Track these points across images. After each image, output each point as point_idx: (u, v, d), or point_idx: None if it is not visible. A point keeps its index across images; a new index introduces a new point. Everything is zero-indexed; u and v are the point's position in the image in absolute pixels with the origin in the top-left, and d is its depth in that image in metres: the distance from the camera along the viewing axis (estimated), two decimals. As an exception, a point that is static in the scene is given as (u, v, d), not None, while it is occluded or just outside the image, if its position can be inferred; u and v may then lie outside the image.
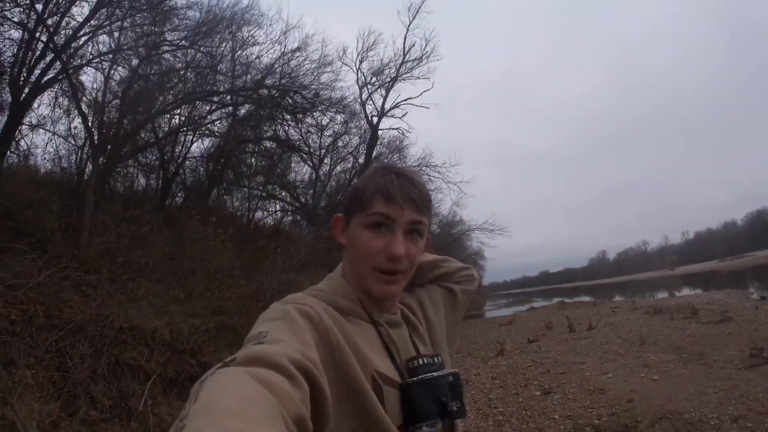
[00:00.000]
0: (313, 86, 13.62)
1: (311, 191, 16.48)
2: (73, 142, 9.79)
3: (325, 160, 17.13)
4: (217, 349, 6.28)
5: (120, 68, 10.73)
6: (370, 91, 16.95)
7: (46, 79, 9.07)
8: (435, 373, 0.92)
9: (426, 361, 0.93)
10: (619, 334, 11.08)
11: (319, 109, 14.12)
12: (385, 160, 18.00)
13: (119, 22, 10.21)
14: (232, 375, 0.54)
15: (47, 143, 10.60)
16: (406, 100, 17.15)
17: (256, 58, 13.32)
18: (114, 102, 10.36)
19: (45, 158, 9.89)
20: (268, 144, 14.23)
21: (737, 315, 11.58)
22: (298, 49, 13.50)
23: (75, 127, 10.15)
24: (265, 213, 16.16)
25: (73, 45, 9.32)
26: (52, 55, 8.79)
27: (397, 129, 17.40)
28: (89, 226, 6.77)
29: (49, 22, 8.75)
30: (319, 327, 0.79)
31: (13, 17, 8.36)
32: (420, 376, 0.90)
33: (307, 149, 15.54)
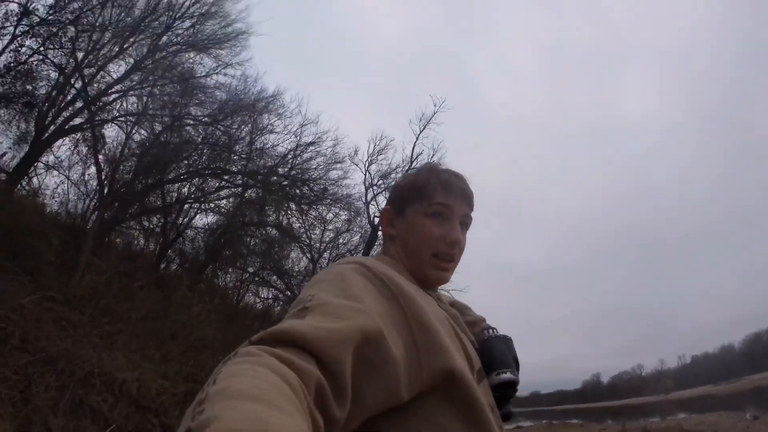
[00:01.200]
0: (322, 180, 14.13)
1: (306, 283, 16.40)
2: (83, 189, 10.04)
3: (325, 255, 17.23)
4: (182, 414, 5.89)
5: (142, 131, 11.34)
6: (375, 192, 17.50)
7: (70, 124, 9.55)
8: (509, 336, 1.02)
9: (499, 332, 1.03)
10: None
11: (325, 203, 14.47)
12: None
13: (149, 88, 10.98)
14: (255, 357, 0.54)
15: (58, 185, 10.84)
16: (408, 205, 17.66)
17: (271, 146, 13.89)
18: (130, 161, 10.77)
19: (54, 199, 10.11)
20: (270, 230, 14.39)
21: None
22: (312, 143, 14.09)
23: (88, 176, 10.49)
24: (256, 298, 15.98)
25: (102, 99, 9.92)
26: (82, 103, 9.35)
27: (398, 232, 17.70)
28: (83, 268, 6.73)
29: (86, 72, 9.41)
30: (375, 281, 0.81)
31: (54, 58, 8.97)
32: (500, 333, 1.01)
33: (308, 241, 15.71)
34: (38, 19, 8.19)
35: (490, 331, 1.02)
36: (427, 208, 1.01)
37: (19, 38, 8.10)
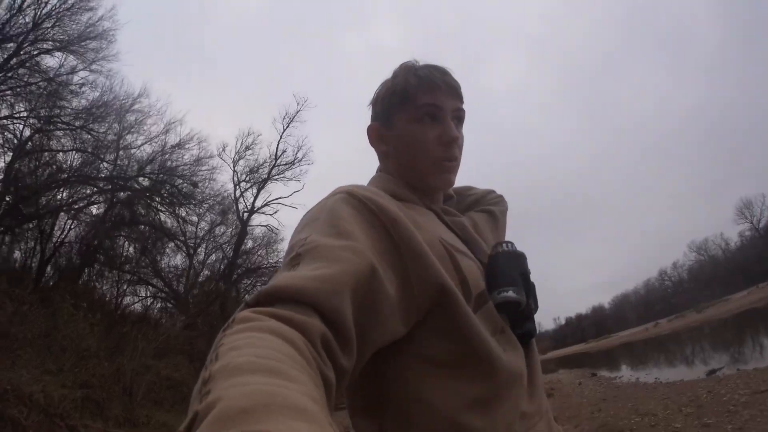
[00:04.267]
0: (192, 178, 15.28)
1: (184, 279, 17.37)
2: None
3: (200, 249, 18.22)
4: (83, 416, 7.37)
5: (9, 137, 11.72)
6: (243, 189, 18.74)
7: None
8: (521, 251, 0.94)
9: (513, 248, 0.94)
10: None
11: (195, 201, 15.62)
12: (257, 253, 19.33)
13: (17, 88, 11.35)
14: (253, 323, 0.52)
15: None
16: (276, 199, 19.11)
17: (140, 145, 14.92)
18: None
19: None
20: (144, 228, 15.20)
21: (560, 391, 13.75)
22: (179, 144, 15.40)
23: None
24: (135, 298, 16.73)
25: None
26: None
27: (266, 226, 19.13)
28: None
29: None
30: (363, 211, 0.78)
31: None
32: (510, 248, 0.93)
33: (182, 237, 16.63)
34: None
35: (504, 245, 0.93)
36: (413, 113, 0.94)
37: None
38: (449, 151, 0.94)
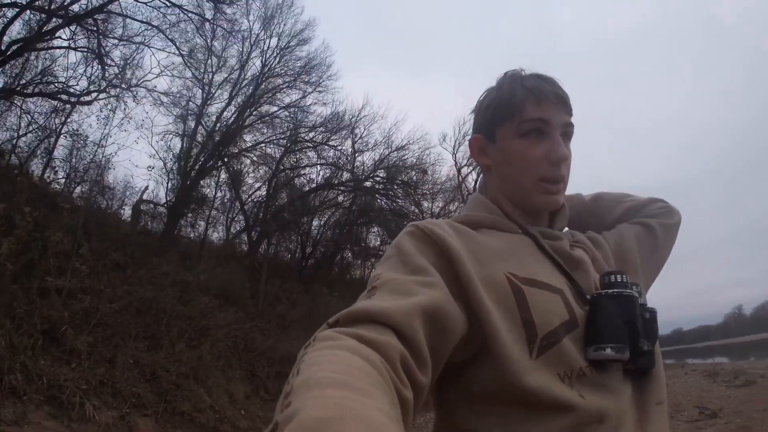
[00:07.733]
0: (422, 166, 17.50)
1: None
2: (228, 219, 14.84)
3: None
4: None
5: (266, 160, 15.11)
6: (464, 173, 20.22)
7: (208, 165, 13.47)
8: (630, 292, 0.80)
9: (624, 279, 0.82)
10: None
11: (426, 187, 17.89)
12: None
13: (265, 118, 14.75)
14: (333, 341, 0.55)
15: (215, 223, 15.39)
16: (496, 182, 20.12)
17: (372, 148, 17.33)
18: (263, 189, 14.95)
19: (216, 236, 14.83)
20: (384, 214, 17.86)
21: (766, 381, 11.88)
22: (403, 145, 17.43)
23: (234, 208, 14.90)
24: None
25: (231, 142, 13.72)
26: (211, 146, 13.17)
27: (491, 207, 20.15)
28: (263, 293, 11.32)
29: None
30: (429, 244, 0.78)
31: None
32: (614, 290, 0.80)
33: (421, 216, 18.26)
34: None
35: (610, 278, 0.83)
36: (519, 128, 0.87)
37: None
38: (556, 170, 0.86)
